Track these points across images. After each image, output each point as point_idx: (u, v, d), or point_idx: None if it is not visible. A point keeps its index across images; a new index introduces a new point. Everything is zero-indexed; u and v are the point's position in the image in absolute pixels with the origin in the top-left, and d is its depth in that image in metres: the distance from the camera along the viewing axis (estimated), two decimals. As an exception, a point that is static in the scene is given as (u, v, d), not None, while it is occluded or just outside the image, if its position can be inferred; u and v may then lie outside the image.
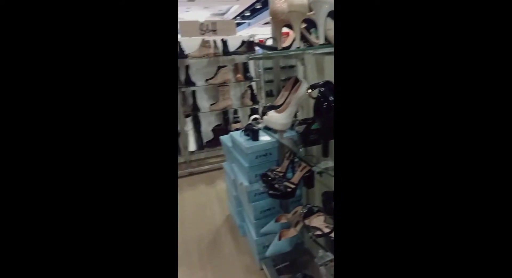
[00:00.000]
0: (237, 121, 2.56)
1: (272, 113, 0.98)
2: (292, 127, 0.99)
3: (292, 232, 1.11)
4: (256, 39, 2.63)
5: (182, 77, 2.38)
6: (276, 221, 1.21)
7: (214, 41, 2.38)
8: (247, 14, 9.82)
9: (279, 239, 1.12)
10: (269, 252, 1.10)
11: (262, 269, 1.28)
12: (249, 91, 2.61)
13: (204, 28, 2.43)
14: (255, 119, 1.36)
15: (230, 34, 2.52)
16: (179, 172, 2.48)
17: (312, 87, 0.78)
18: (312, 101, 0.78)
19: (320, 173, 0.83)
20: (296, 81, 1.01)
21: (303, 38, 0.95)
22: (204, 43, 2.34)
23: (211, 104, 2.52)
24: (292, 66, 1.97)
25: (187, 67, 2.38)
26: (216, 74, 2.43)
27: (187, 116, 2.44)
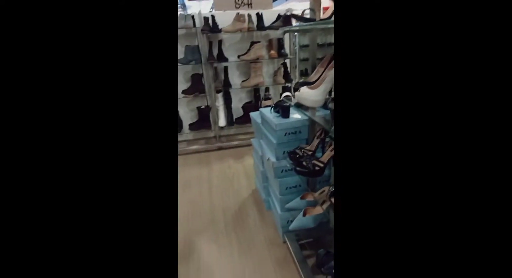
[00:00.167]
0: (268, 98, 2.54)
1: (304, 89, 0.96)
2: (325, 105, 0.96)
3: (318, 210, 1.12)
4: (294, 13, 2.51)
5: (215, 52, 2.39)
6: (302, 198, 1.23)
7: (249, 15, 2.32)
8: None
9: (304, 215, 1.14)
10: (292, 226, 1.14)
11: (285, 242, 1.33)
12: (282, 69, 2.55)
13: (240, 1, 2.36)
14: (286, 96, 1.34)
15: (266, 8, 2.43)
16: (208, 146, 2.57)
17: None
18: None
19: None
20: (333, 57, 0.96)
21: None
22: (239, 17, 2.29)
23: (243, 81, 2.51)
24: (330, 44, 1.87)
25: (220, 42, 2.37)
26: (249, 50, 2.39)
27: (218, 92, 2.48)
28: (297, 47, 3.13)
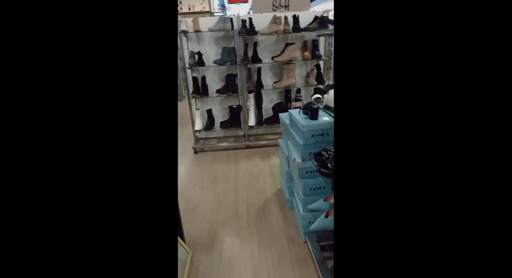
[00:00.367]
0: (298, 100, 2.54)
1: (333, 92, 0.97)
2: (353, 108, 0.96)
3: (339, 212, 1.12)
4: (331, 15, 2.48)
5: (250, 53, 2.46)
6: (325, 200, 1.23)
7: (286, 17, 2.35)
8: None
9: (326, 217, 1.15)
10: (314, 226, 1.15)
11: (305, 242, 1.34)
12: (315, 71, 2.54)
13: (277, 3, 2.40)
14: (317, 98, 1.35)
15: (304, 9, 2.43)
16: (237, 144, 2.65)
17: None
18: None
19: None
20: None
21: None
22: (275, 20, 2.33)
23: (275, 82, 2.55)
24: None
25: (255, 44, 2.44)
26: (283, 51, 2.42)
27: (250, 92, 2.54)
28: (332, 48, 3.06)
